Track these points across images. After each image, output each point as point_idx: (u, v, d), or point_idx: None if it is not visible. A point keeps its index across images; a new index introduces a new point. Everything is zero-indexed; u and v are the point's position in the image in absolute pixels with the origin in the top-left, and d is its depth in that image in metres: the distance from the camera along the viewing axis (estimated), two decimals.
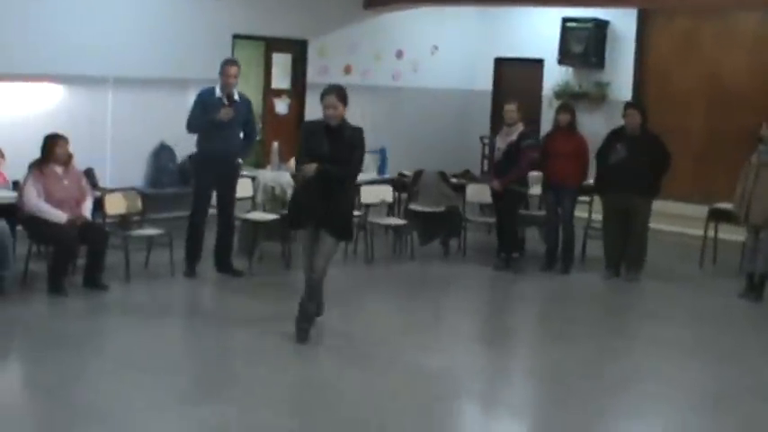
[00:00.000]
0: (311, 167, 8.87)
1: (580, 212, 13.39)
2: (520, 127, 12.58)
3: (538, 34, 18.68)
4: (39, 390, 7.84)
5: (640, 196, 12.15)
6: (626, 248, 12.48)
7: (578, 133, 12.78)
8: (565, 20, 18.11)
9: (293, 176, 10.71)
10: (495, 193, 12.77)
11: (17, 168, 11.10)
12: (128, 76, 14.25)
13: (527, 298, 11.95)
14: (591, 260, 13.17)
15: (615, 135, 12.47)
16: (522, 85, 18.83)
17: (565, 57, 18.23)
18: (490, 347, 9.75)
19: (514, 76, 19.33)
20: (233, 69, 11.40)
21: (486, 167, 13.08)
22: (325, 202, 8.95)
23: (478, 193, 13.56)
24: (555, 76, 18.46)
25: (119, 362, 8.48)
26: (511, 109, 12.57)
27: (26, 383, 8.34)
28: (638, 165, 12.03)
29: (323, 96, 9.02)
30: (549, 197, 12.85)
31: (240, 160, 11.83)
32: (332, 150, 8.90)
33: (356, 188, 10.82)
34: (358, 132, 9.11)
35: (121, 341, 9.33)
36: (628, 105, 12.88)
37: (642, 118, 12.24)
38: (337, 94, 8.98)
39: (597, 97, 17.78)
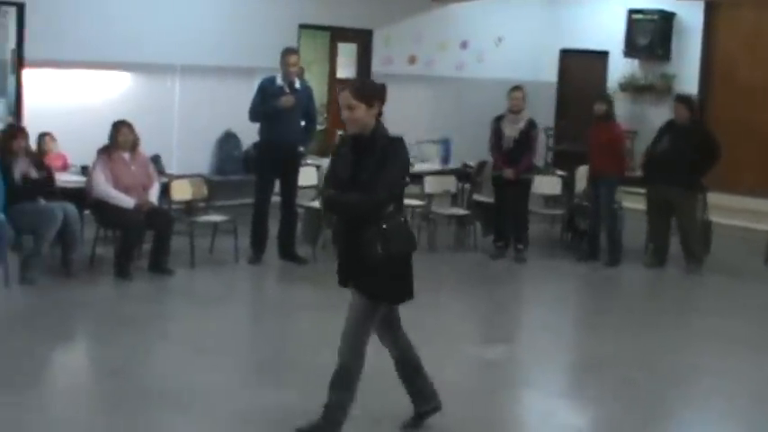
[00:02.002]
0: (322, 198, 6.81)
1: (634, 204, 13.34)
2: (526, 114, 12.57)
3: (603, 26, 18.59)
4: (105, 370, 7.98)
5: (682, 188, 12.09)
6: (680, 242, 12.43)
7: (615, 124, 12.76)
8: (631, 11, 18.03)
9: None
10: (500, 182, 12.67)
11: (86, 154, 11.26)
12: (195, 64, 14.41)
13: (585, 289, 11.96)
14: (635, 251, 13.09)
15: (667, 127, 12.45)
16: (587, 76, 18.78)
17: (630, 49, 18.15)
18: (550, 337, 9.73)
19: (579, 67, 19.26)
20: (293, 58, 11.48)
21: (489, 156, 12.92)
22: (345, 246, 6.52)
23: (543, 184, 13.52)
24: (620, 68, 18.38)
25: (183, 345, 8.61)
26: (518, 96, 12.52)
27: (93, 364, 8.49)
28: (682, 157, 11.97)
29: (339, 91, 6.52)
30: (590, 188, 12.82)
31: (302, 148, 11.90)
32: (353, 170, 6.29)
33: (401, 220, 6.43)
34: (394, 144, 6.33)
35: (185, 325, 9.46)
36: (676, 99, 12.85)
37: (690, 111, 12.18)
38: (354, 89, 6.30)
39: (663, 90, 17.67)
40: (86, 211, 11.06)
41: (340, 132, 6.86)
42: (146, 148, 11.45)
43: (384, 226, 6.19)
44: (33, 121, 12.12)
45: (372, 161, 6.21)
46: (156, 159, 12.48)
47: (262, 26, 14.94)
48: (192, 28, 14.32)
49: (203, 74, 14.53)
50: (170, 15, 14.16)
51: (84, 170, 11.41)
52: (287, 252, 11.78)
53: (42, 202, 10.41)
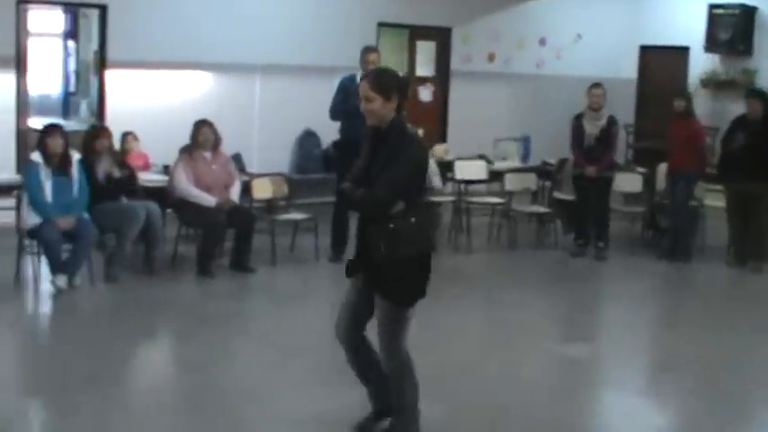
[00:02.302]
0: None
1: (716, 201, 13.19)
2: (606, 111, 12.47)
3: (683, 21, 18.41)
4: (186, 367, 8.05)
5: (759, 184, 11.91)
6: (750, 239, 12.30)
7: (695, 120, 12.63)
8: (711, 6, 17.84)
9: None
10: (581, 180, 12.59)
11: (168, 153, 11.36)
12: (275, 63, 14.50)
13: (665, 288, 11.85)
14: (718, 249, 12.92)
15: (738, 122, 12.29)
16: (668, 73, 18.60)
17: (711, 44, 17.95)
18: (631, 336, 9.65)
19: (659, 64, 19.09)
20: (372, 56, 11.49)
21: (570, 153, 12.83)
22: (359, 240, 6.30)
23: (624, 182, 13.40)
24: (701, 63, 18.19)
25: (263, 343, 8.65)
26: (598, 93, 12.41)
27: (175, 361, 8.57)
28: (757, 152, 11.81)
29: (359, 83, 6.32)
30: (669, 185, 12.70)
31: None
32: (370, 164, 6.13)
33: (412, 220, 6.05)
34: (405, 140, 6.11)
35: (266, 323, 9.51)
36: (748, 93, 12.68)
37: (763, 106, 12.01)
38: (371, 80, 6.11)
39: (744, 85, 17.38)
40: (168, 210, 11.17)
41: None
42: (227, 147, 11.53)
43: (391, 225, 5.98)
44: (115, 122, 12.25)
45: (382, 156, 6.03)
46: (237, 158, 12.55)
47: (341, 25, 15.01)
48: (273, 28, 14.43)
49: (283, 73, 14.61)
50: (250, 15, 14.27)
51: (167, 169, 11.52)
52: None
53: (125, 201, 10.53)
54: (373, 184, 5.97)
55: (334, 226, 11.68)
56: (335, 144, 12.26)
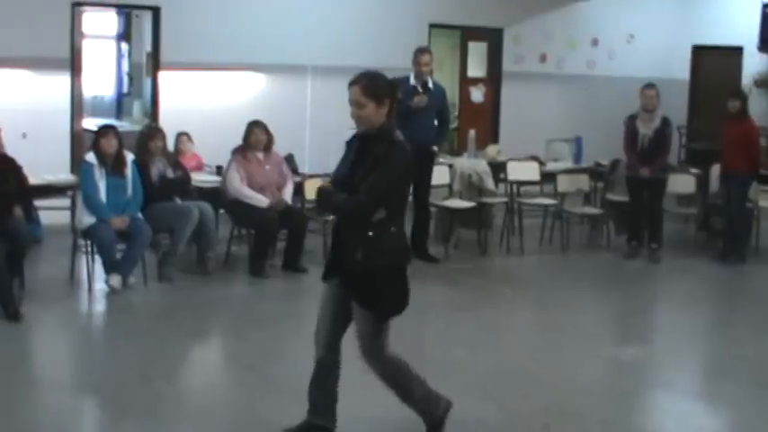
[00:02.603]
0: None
1: None
2: (660, 112, 12.38)
3: (737, 21, 18.20)
4: (239, 366, 8.07)
5: None
6: None
7: (749, 120, 12.51)
8: (765, 5, 17.61)
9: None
10: (635, 181, 12.49)
11: (221, 154, 11.41)
12: (326, 64, 14.52)
13: (720, 290, 11.71)
14: None
15: None
16: (721, 73, 18.43)
17: (765, 44, 17.74)
18: (686, 338, 9.57)
19: (712, 64, 18.92)
20: (425, 57, 11.49)
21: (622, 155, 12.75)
22: (334, 244, 6.13)
23: (677, 183, 13.31)
24: (755, 63, 18.01)
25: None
26: (652, 94, 12.31)
27: (228, 360, 8.59)
28: None
29: (348, 86, 5.95)
30: (722, 186, 12.60)
31: (435, 148, 11.88)
32: (351, 170, 5.90)
33: (392, 229, 5.91)
34: (392, 147, 5.86)
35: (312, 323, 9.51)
36: None
37: None
38: (363, 85, 5.85)
39: None
40: (221, 211, 11.21)
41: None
42: (280, 148, 11.55)
43: (370, 234, 5.79)
44: (168, 123, 12.30)
45: (369, 162, 5.79)
46: (290, 159, 12.56)
47: (393, 26, 15.02)
48: (324, 29, 14.46)
49: (335, 74, 14.55)
50: (303, 17, 14.33)
51: (219, 170, 11.57)
52: (420, 251, 11.78)
53: (179, 201, 10.58)
54: (355, 190, 5.76)
55: None
56: None
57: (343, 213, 5.99)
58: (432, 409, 6.35)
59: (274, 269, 10.90)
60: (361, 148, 5.90)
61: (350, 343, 6.25)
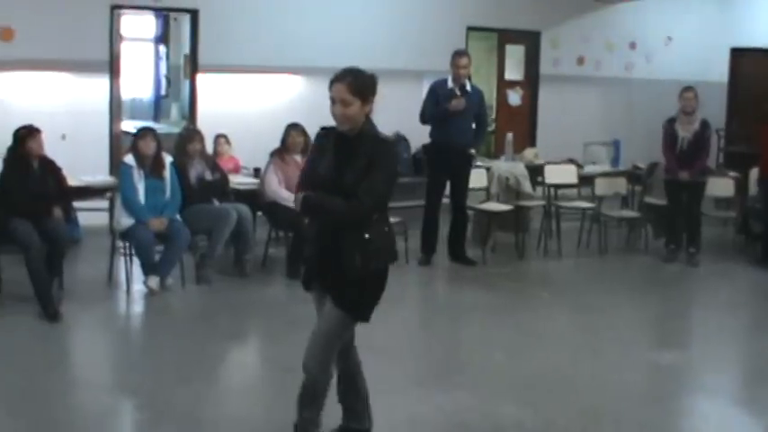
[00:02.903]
0: (298, 198, 5.74)
1: None
2: (699, 115, 12.30)
3: None
4: (277, 367, 8.05)
5: None
6: None
7: None
8: None
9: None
10: (673, 184, 12.39)
11: (259, 157, 11.43)
12: (364, 67, 14.43)
13: (760, 294, 11.61)
14: None
15: None
16: (759, 75, 18.36)
17: None
18: (725, 343, 9.52)
19: (751, 66, 18.84)
20: (463, 60, 11.49)
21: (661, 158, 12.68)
22: (319, 251, 5.83)
23: (716, 186, 13.23)
24: None
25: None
26: (690, 96, 12.24)
27: (266, 361, 8.61)
28: None
29: (331, 83, 5.66)
30: (761, 189, 12.55)
31: (473, 151, 11.87)
32: (336, 171, 5.61)
33: (385, 229, 5.81)
34: (384, 147, 5.70)
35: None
36: None
37: None
38: (349, 82, 5.59)
39: None
40: (259, 213, 11.24)
41: (323, 127, 5.76)
42: None
43: (366, 236, 5.62)
44: (206, 125, 12.34)
45: (358, 163, 5.53)
46: None
47: (430, 29, 15.03)
48: (363, 32, 14.48)
49: None
50: (340, 20, 14.35)
51: (257, 172, 11.60)
52: (457, 254, 11.78)
53: (217, 203, 10.61)
54: (346, 193, 5.50)
55: (424, 229, 11.69)
56: (425, 148, 12.26)
57: (344, 218, 5.61)
58: (306, 429, 6.06)
59: None
60: (343, 147, 5.62)
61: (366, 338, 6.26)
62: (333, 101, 5.57)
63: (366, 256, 5.62)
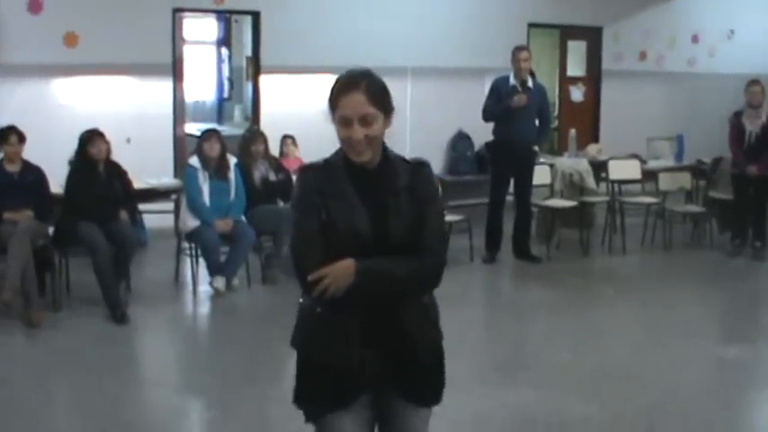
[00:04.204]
0: (339, 275, 3.75)
1: None
2: (766, 108, 12.17)
3: None
4: None
5: None
6: None
7: None
8: None
9: (311, 299, 3.97)
10: (740, 179, 12.28)
11: (323, 157, 11.44)
12: (425, 65, 14.55)
13: None
14: None
15: None
16: None
17: None
18: None
19: None
20: (523, 54, 11.47)
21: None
22: (384, 342, 3.93)
23: None
24: None
25: None
26: (757, 90, 12.11)
27: None
28: None
29: (338, 94, 3.85)
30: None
31: (536, 147, 11.83)
32: (374, 222, 3.84)
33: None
34: (424, 171, 4.01)
35: None
36: None
37: None
38: (368, 88, 3.81)
39: None
40: None
41: (306, 166, 4.09)
42: None
43: (425, 300, 4.08)
44: (269, 126, 12.42)
45: (401, 203, 3.87)
46: None
47: (492, 26, 15.01)
48: (424, 30, 14.50)
49: (434, 75, 14.66)
50: (401, 18, 14.37)
51: None
52: (521, 251, 11.76)
53: (281, 204, 10.66)
54: (398, 249, 3.84)
55: (488, 226, 11.69)
56: (488, 145, 12.26)
57: (418, 283, 3.96)
58: None
59: None
60: (368, 186, 3.88)
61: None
62: (345, 121, 3.80)
63: (430, 326, 4.15)
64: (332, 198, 3.85)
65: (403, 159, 4.01)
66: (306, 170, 3.99)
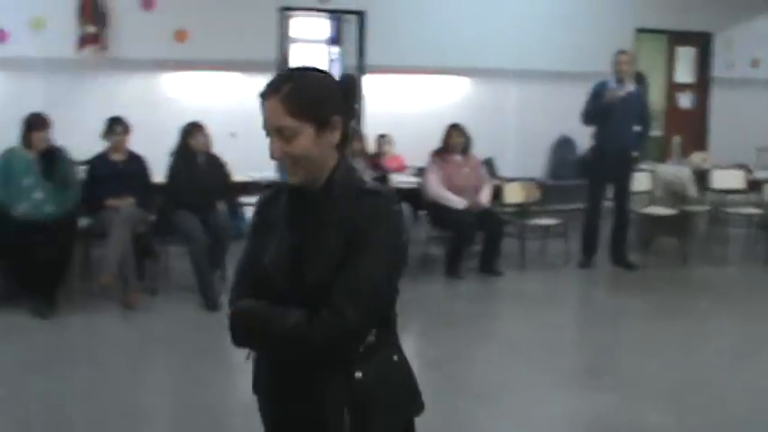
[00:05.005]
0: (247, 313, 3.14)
1: None
2: None
3: None
4: (425, 363, 8.13)
5: None
6: None
7: None
8: None
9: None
10: None
11: (423, 156, 11.54)
12: (531, 69, 14.57)
13: None
14: None
15: None
16: None
17: None
18: None
19: None
20: (623, 57, 11.42)
21: None
22: (283, 411, 3.37)
23: None
24: None
25: (505, 345, 8.73)
26: None
27: (415, 356, 8.53)
28: None
29: (260, 98, 3.10)
30: None
31: (635, 153, 11.78)
32: (292, 258, 3.09)
33: (393, 359, 3.27)
34: (375, 206, 3.08)
35: (510, 325, 9.59)
36: None
37: None
38: (288, 95, 3.03)
39: None
40: (422, 212, 11.37)
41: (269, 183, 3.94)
42: (480, 152, 11.67)
43: (358, 375, 3.09)
44: (372, 125, 12.55)
45: (329, 239, 3.04)
46: (488, 162, 12.67)
47: (598, 31, 14.96)
48: (529, 34, 14.52)
49: (539, 79, 14.67)
50: (506, 21, 14.41)
51: (420, 172, 11.73)
52: (619, 257, 11.71)
53: None
54: (313, 295, 3.00)
55: (584, 231, 11.67)
56: (592, 150, 12.23)
57: (306, 347, 3.03)
58: None
59: (470, 271, 11.01)
60: (300, 213, 3.14)
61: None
62: (267, 132, 3.11)
63: (361, 412, 3.11)
64: (265, 225, 3.22)
65: (356, 186, 3.13)
66: (264, 189, 3.39)
